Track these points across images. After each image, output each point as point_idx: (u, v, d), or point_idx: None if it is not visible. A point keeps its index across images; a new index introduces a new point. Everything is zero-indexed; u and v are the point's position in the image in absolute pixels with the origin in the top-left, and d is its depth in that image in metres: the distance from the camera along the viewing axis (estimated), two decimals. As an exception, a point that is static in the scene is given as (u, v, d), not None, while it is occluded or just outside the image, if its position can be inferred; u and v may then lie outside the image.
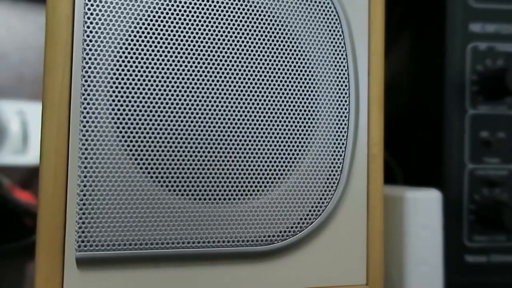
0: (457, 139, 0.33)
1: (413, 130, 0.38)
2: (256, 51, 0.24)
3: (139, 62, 0.23)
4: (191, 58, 0.24)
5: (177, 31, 0.24)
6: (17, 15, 0.54)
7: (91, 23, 0.23)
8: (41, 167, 0.22)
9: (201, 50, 0.24)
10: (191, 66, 0.24)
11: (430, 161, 0.35)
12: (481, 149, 0.33)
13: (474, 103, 0.33)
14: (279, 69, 0.25)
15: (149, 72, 0.23)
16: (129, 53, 0.23)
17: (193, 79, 0.24)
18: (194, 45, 0.24)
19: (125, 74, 0.23)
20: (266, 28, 0.25)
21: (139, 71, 0.23)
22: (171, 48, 0.23)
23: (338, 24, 0.26)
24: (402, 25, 0.40)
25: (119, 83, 0.23)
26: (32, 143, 0.53)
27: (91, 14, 0.23)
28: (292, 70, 0.25)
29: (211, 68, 0.24)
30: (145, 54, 0.23)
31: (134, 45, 0.23)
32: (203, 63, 0.24)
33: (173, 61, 0.23)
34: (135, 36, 0.23)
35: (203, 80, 0.24)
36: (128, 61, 0.23)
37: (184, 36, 0.24)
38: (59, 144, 0.23)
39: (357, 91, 0.26)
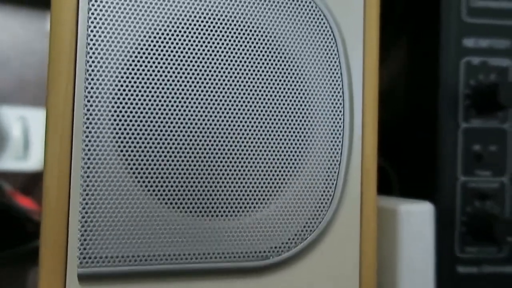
0: (450, 152, 0.33)
1: (408, 141, 0.38)
2: (250, 69, 0.25)
3: (142, 78, 0.24)
4: (191, 76, 0.24)
5: (176, 51, 0.24)
6: (19, 21, 0.54)
7: (94, 35, 0.23)
8: (44, 184, 0.23)
9: (201, 69, 0.24)
10: (190, 85, 0.24)
11: (424, 172, 0.35)
12: (473, 162, 0.33)
13: (467, 117, 0.33)
14: (273, 86, 0.26)
15: (152, 87, 0.24)
16: (132, 69, 0.24)
17: (191, 96, 0.24)
18: (194, 64, 0.24)
19: (129, 90, 0.24)
20: (260, 46, 0.25)
21: (142, 87, 0.24)
22: (172, 66, 0.24)
23: (333, 42, 0.26)
24: (397, 36, 0.41)
25: (123, 99, 0.23)
26: (33, 149, 0.54)
27: (94, 27, 0.23)
28: (286, 87, 0.26)
29: (209, 86, 0.25)
30: (148, 71, 0.24)
31: (138, 61, 0.24)
32: (202, 83, 0.24)
33: (174, 79, 0.24)
34: (139, 52, 0.24)
35: (200, 96, 0.24)
36: (132, 77, 0.24)
37: (182, 53, 0.24)
38: (61, 159, 0.24)
39: (351, 107, 0.26)
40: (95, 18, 0.23)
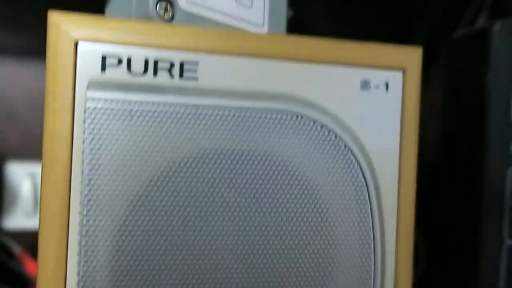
0: (492, 271, 0.30)
1: (446, 250, 0.35)
2: (277, 209, 0.22)
3: (142, 239, 0.21)
4: (207, 218, 0.21)
5: (187, 187, 0.21)
6: (27, 72, 0.52)
7: (89, 201, 0.21)
8: None
9: (216, 213, 0.22)
10: (204, 226, 0.21)
11: None
12: (518, 284, 0.30)
13: (513, 233, 0.30)
14: (296, 232, 0.22)
15: (150, 245, 0.21)
16: (131, 228, 0.21)
17: (203, 244, 0.21)
18: (206, 207, 0.21)
19: (126, 255, 0.21)
20: (288, 183, 0.22)
21: (139, 250, 0.21)
22: (174, 217, 0.21)
23: (365, 188, 0.23)
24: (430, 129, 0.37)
25: (119, 263, 0.21)
26: (43, 206, 0.52)
27: (89, 189, 0.21)
28: (316, 239, 0.23)
29: (223, 232, 0.22)
30: (146, 227, 0.21)
31: (137, 217, 0.21)
32: (216, 229, 0.22)
33: (178, 230, 0.21)
34: (139, 206, 0.21)
35: (215, 245, 0.22)
36: (130, 237, 0.21)
37: (190, 191, 0.21)
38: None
39: (383, 267, 0.23)
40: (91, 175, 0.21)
